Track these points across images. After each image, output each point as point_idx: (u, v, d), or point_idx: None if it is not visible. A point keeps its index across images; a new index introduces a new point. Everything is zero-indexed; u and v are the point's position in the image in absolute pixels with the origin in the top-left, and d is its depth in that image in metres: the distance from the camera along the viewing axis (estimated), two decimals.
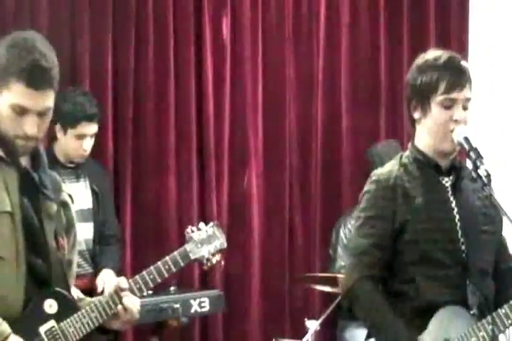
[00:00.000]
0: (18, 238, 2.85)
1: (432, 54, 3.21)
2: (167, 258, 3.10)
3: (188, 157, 5.18)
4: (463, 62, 3.21)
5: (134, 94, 5.10)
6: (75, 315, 2.91)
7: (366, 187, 3.24)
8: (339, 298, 4.02)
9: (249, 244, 5.21)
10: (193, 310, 4.46)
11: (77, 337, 2.90)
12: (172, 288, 4.48)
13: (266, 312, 5.23)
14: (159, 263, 3.09)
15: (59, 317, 2.90)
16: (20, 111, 2.83)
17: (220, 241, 3.24)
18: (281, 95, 5.33)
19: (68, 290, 3.00)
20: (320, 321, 4.38)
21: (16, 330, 2.79)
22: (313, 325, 4.35)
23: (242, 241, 5.15)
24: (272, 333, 4.79)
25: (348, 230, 3.88)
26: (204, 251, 3.20)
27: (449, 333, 3.06)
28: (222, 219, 5.03)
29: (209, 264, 3.24)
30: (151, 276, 3.06)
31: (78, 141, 4.19)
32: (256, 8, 5.26)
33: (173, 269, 3.11)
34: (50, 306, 2.89)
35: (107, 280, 4.18)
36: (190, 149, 5.18)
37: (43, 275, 2.90)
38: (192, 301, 4.46)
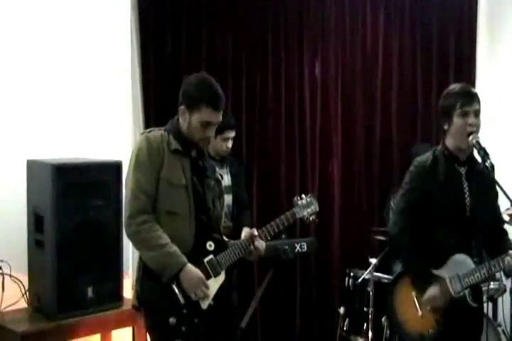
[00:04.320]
0: (190, 201, 2.94)
1: (452, 86, 3.24)
2: (282, 216, 3.16)
3: (293, 152, 5.15)
4: (471, 88, 3.22)
5: (260, 111, 5.12)
6: (226, 251, 3.02)
7: (410, 169, 3.26)
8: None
9: (332, 208, 5.16)
10: (296, 250, 4.44)
11: (227, 265, 3.01)
12: (283, 236, 4.42)
13: (343, 253, 5.17)
14: (277, 219, 3.15)
15: (215, 252, 3.00)
16: (207, 125, 2.95)
17: (315, 206, 3.26)
18: (353, 113, 5.22)
19: (221, 235, 3.11)
20: (378, 258, 4.32)
21: (188, 260, 2.89)
22: (374, 261, 4.30)
23: (328, 206, 5.08)
24: (346, 266, 4.75)
25: (395, 199, 3.90)
26: (305, 212, 3.23)
27: (459, 270, 3.09)
28: (315, 192, 5.00)
29: (308, 221, 3.26)
30: (272, 228, 3.12)
31: (224, 143, 4.21)
32: (337, 55, 5.19)
33: (286, 223, 3.15)
34: (210, 245, 2.99)
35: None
36: (294, 147, 5.16)
37: (205, 226, 2.99)
38: (296, 244, 4.45)
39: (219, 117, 2.97)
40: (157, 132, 3.00)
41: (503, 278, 4.12)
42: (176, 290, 2.85)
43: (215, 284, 2.96)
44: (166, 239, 2.86)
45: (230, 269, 3.06)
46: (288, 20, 5.12)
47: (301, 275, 5.18)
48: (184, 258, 2.87)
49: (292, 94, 5.16)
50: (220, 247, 3.02)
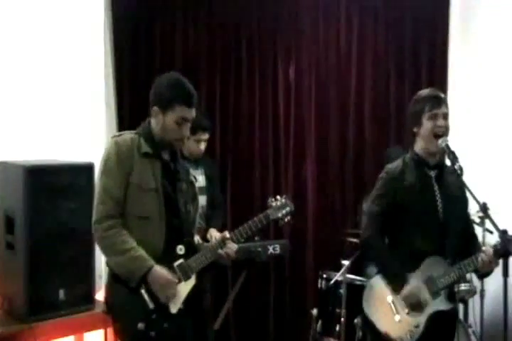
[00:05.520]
0: (160, 205, 2.90)
1: (420, 92, 3.28)
2: (255, 218, 3.11)
3: (266, 154, 5.18)
4: (439, 92, 3.25)
5: (234, 112, 5.15)
6: (197, 255, 2.99)
7: (380, 175, 3.29)
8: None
9: (305, 210, 5.16)
10: (269, 252, 4.46)
11: (198, 269, 2.98)
12: (256, 238, 4.44)
13: (316, 255, 5.17)
14: (250, 221, 3.09)
15: (186, 256, 2.97)
16: (182, 122, 2.93)
17: (290, 207, 3.19)
18: (326, 115, 5.24)
19: (193, 238, 3.09)
20: (351, 260, 4.30)
21: (158, 264, 2.85)
22: (346, 263, 4.28)
23: (301, 208, 5.04)
24: (319, 267, 4.71)
25: (366, 203, 3.87)
26: (279, 214, 3.16)
27: (432, 273, 3.11)
28: (288, 193, 4.92)
29: (282, 222, 3.20)
30: (245, 230, 3.07)
31: (197, 144, 4.21)
32: (311, 57, 5.21)
33: (259, 225, 3.10)
34: (181, 249, 2.95)
35: (213, 234, 4.13)
36: (268, 149, 5.19)
37: (176, 229, 2.95)
38: (269, 246, 4.46)
39: (193, 113, 2.96)
40: (127, 135, 2.98)
41: (474, 279, 4.18)
42: (145, 295, 2.83)
43: (185, 288, 2.94)
44: (131, 243, 2.83)
45: (202, 273, 3.04)
46: (262, 22, 5.15)
47: (275, 277, 5.20)
48: (150, 261, 2.84)
49: (266, 95, 5.19)
50: (191, 251, 3.00)
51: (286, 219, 3.20)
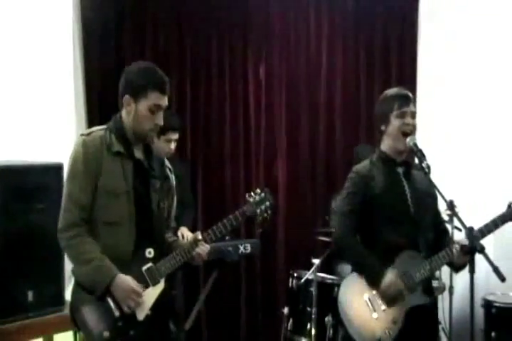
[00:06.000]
0: (130, 209, 2.81)
1: (388, 91, 3.31)
2: (230, 216, 2.95)
3: (237, 153, 5.22)
4: (406, 91, 3.27)
5: (204, 111, 5.17)
6: (166, 258, 2.89)
7: (349, 175, 3.31)
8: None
9: (277, 209, 5.06)
10: (240, 251, 4.42)
11: (167, 272, 2.89)
12: (227, 238, 4.22)
13: (287, 254, 5.24)
14: (224, 220, 2.95)
15: (156, 259, 2.87)
16: (155, 109, 2.81)
17: (270, 201, 3.02)
18: (297, 115, 5.30)
19: (163, 239, 2.97)
20: (321, 259, 4.31)
21: (126, 269, 2.79)
22: (316, 262, 4.29)
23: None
24: (290, 266, 4.77)
25: (336, 202, 3.86)
26: (258, 210, 2.99)
27: (407, 268, 3.12)
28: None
29: (260, 218, 3.01)
30: (219, 229, 2.94)
31: (166, 144, 4.14)
32: (282, 57, 5.27)
33: (235, 223, 2.95)
34: (149, 253, 2.85)
35: (185, 234, 4.10)
36: (239, 149, 5.23)
37: (146, 232, 2.85)
38: (239, 246, 4.41)
39: (166, 101, 2.85)
40: (97, 133, 2.86)
41: (443, 276, 4.23)
42: (111, 304, 2.78)
43: (152, 293, 2.86)
44: (94, 252, 2.76)
45: (172, 275, 2.98)
46: (233, 22, 5.18)
47: (246, 277, 5.22)
48: (114, 271, 2.76)
49: (237, 95, 5.22)
50: (161, 253, 2.90)
51: (265, 215, 3.02)
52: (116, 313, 2.78)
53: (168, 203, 3.02)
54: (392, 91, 3.29)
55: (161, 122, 2.86)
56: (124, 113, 2.87)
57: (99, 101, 4.77)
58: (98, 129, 2.89)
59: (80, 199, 2.77)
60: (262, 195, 3.02)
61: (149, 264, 2.87)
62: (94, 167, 2.78)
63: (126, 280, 2.77)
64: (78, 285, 2.83)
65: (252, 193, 3.02)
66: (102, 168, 2.79)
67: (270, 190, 3.08)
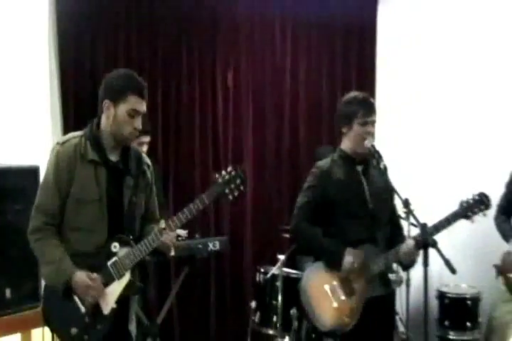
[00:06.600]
0: (103, 215, 2.85)
1: (353, 93, 3.42)
2: (196, 200, 2.78)
3: (206, 155, 5.28)
4: (372, 100, 3.41)
5: (175, 116, 5.23)
6: (129, 251, 2.86)
7: (311, 170, 3.44)
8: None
9: (244, 208, 5.29)
10: (209, 248, 4.46)
11: (131, 265, 2.87)
12: (197, 236, 4.45)
13: (254, 250, 5.31)
14: (191, 204, 2.78)
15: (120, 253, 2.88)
16: (134, 114, 2.83)
17: (241, 178, 2.79)
18: (263, 118, 5.40)
19: (134, 234, 2.93)
20: (286, 254, 4.41)
21: (92, 265, 2.85)
22: (282, 257, 4.38)
23: (240, 206, 5.20)
24: (257, 262, 4.87)
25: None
26: (226, 189, 2.77)
27: (365, 260, 3.24)
28: None
29: (231, 196, 2.79)
30: (184, 215, 2.78)
31: (139, 147, 3.98)
32: (248, 63, 5.38)
33: (201, 206, 2.77)
34: (115, 247, 2.86)
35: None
36: (207, 150, 5.28)
37: (118, 230, 2.88)
38: (209, 243, 4.46)
39: (144, 107, 2.86)
40: (72, 141, 2.88)
41: (400, 269, 4.41)
42: (77, 301, 2.84)
43: (118, 287, 2.86)
44: (55, 254, 2.81)
45: (142, 267, 3.01)
46: (201, 29, 5.26)
47: (215, 273, 5.29)
48: (72, 269, 2.80)
49: (205, 101, 5.29)
50: (126, 246, 2.88)
51: (236, 193, 2.81)
52: (83, 309, 2.84)
53: (146, 196, 3.02)
54: (357, 95, 3.38)
55: (139, 127, 2.86)
56: (103, 118, 2.88)
57: (75, 103, 4.78)
58: (74, 136, 2.92)
59: (46, 207, 2.85)
60: (233, 173, 2.81)
61: (114, 258, 2.87)
62: (65, 176, 2.84)
63: (82, 277, 2.81)
64: (47, 285, 2.93)
65: (223, 172, 2.81)
66: (74, 176, 2.84)
67: (241, 167, 2.88)
